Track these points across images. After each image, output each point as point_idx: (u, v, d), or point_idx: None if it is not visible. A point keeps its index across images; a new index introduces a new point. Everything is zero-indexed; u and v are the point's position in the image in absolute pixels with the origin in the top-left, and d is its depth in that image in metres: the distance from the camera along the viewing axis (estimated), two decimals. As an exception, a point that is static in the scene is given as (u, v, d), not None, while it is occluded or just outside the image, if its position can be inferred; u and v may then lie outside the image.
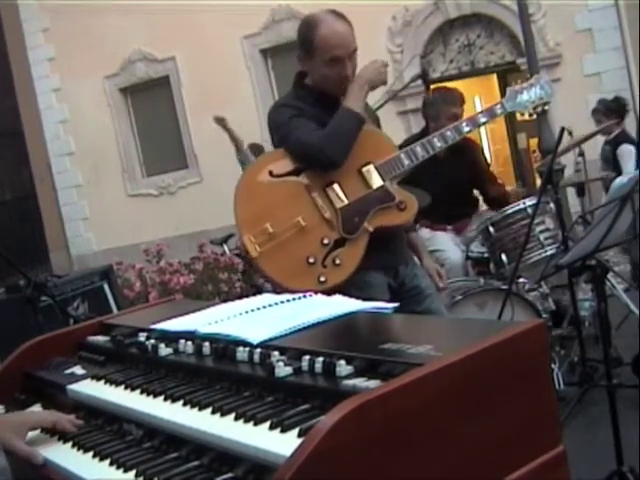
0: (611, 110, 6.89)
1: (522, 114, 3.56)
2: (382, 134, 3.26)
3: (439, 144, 3.19)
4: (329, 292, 2.78)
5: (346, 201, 3.05)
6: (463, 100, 4.83)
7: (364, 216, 3.06)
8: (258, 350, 1.65)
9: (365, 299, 2.92)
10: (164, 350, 1.85)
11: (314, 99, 3.09)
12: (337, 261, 3.01)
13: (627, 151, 6.47)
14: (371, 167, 3.08)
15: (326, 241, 3.02)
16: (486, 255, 4.78)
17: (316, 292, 2.75)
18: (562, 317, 4.97)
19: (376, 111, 3.49)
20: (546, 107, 3.43)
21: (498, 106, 3.34)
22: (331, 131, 2.99)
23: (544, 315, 4.59)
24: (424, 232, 4.81)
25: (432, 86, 5.15)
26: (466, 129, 3.26)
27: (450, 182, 4.74)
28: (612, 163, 6.46)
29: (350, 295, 2.86)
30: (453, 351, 1.39)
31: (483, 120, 3.31)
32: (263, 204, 3.02)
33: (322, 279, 2.98)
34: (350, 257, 3.03)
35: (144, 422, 1.62)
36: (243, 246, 3.10)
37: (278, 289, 2.99)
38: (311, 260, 2.99)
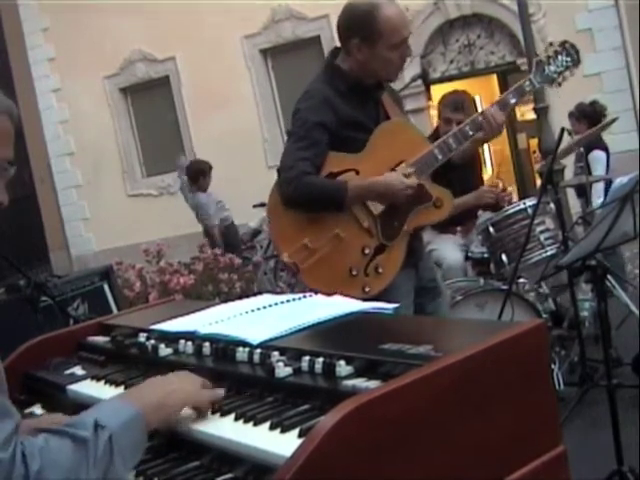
0: (585, 115, 6.88)
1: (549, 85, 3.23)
2: (412, 126, 3.21)
3: (471, 132, 3.08)
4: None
5: (383, 206, 2.98)
6: (461, 105, 4.61)
7: (404, 219, 3.01)
8: (258, 350, 1.65)
9: (391, 300, 2.94)
10: (164, 350, 1.85)
11: (347, 87, 2.98)
12: (379, 269, 2.98)
13: (597, 157, 6.54)
14: (404, 166, 3.00)
15: (367, 251, 2.98)
16: (486, 255, 4.78)
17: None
18: (562, 318, 4.97)
19: None
20: (573, 73, 3.21)
21: (527, 83, 3.17)
22: (315, 185, 2.90)
23: (544, 315, 4.59)
24: (427, 234, 4.80)
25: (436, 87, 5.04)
26: None
27: (459, 184, 4.72)
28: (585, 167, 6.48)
29: (377, 295, 2.88)
30: (453, 351, 1.39)
31: (513, 101, 3.16)
32: (299, 218, 2.95)
33: (367, 289, 2.95)
34: (391, 262, 3.00)
35: (144, 422, 1.62)
36: (284, 263, 3.06)
37: None
38: (354, 272, 2.95)
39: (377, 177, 2.96)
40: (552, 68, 3.21)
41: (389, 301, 2.92)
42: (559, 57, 3.22)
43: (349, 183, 2.92)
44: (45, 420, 1.76)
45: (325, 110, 2.92)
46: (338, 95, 2.96)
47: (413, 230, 3.05)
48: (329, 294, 2.99)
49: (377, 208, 2.99)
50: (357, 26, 2.93)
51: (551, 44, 3.28)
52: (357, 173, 2.98)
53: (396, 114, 3.14)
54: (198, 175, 8.35)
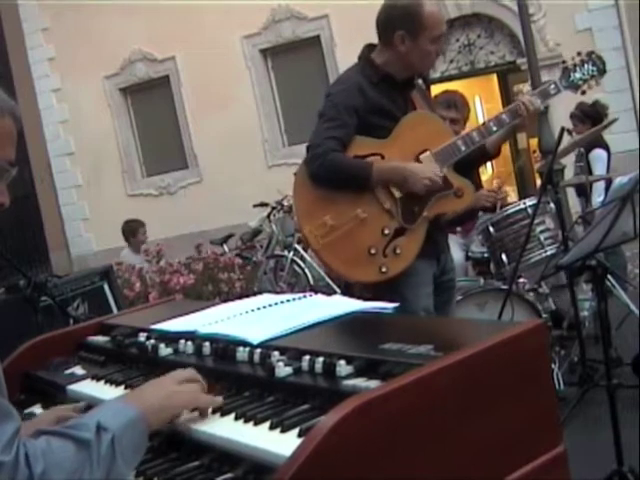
0: (587, 115, 6.88)
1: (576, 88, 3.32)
2: (437, 119, 3.31)
3: (495, 128, 3.19)
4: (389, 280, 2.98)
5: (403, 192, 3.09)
6: (453, 103, 4.55)
7: (424, 205, 3.11)
8: (258, 350, 1.65)
9: (412, 286, 3.05)
10: (164, 350, 1.85)
11: (378, 78, 3.13)
12: (397, 250, 3.07)
13: (598, 156, 6.53)
14: (429, 154, 3.12)
15: (387, 231, 3.07)
16: (486, 255, 4.78)
17: (378, 281, 3.00)
18: (562, 318, 4.97)
19: None
20: (598, 82, 3.30)
21: (552, 86, 3.29)
22: (341, 162, 3.02)
23: (544, 315, 4.59)
24: None
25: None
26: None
27: None
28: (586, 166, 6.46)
29: (397, 281, 3.03)
30: (453, 351, 1.39)
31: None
32: (322, 196, 3.07)
33: (384, 269, 3.04)
34: (410, 246, 3.09)
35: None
36: (304, 238, 3.18)
37: (341, 279, 3.02)
38: (372, 251, 3.05)
39: (404, 163, 3.07)
40: (577, 75, 3.31)
41: (409, 286, 3.04)
42: (585, 65, 3.32)
43: (375, 164, 3.04)
44: (45, 416, 1.75)
45: (356, 95, 3.07)
46: (370, 84, 3.11)
47: (433, 217, 3.14)
48: (344, 273, 3.15)
49: (398, 191, 3.09)
50: (402, 18, 3.08)
51: (579, 54, 3.38)
52: (382, 158, 3.10)
53: (424, 109, 3.27)
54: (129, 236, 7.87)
